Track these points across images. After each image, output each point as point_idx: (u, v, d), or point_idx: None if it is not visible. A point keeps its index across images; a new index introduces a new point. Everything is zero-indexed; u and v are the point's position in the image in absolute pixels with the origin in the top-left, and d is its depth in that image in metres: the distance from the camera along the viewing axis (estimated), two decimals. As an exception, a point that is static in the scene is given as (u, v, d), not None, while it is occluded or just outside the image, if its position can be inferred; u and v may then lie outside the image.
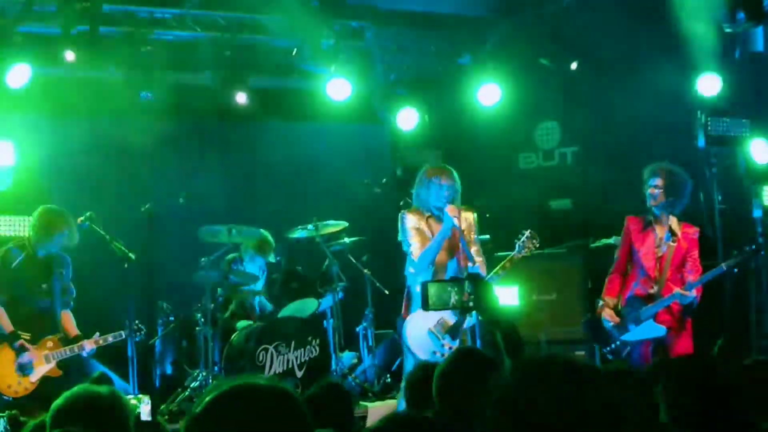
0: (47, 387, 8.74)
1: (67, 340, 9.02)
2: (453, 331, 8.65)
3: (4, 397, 8.64)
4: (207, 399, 2.50)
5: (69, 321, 9.15)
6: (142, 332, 9.15)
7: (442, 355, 8.39)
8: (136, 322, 8.94)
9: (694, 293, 8.85)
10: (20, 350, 8.75)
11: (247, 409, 2.44)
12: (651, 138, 12.04)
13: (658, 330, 8.91)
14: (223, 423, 2.43)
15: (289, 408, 2.49)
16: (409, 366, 8.74)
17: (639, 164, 11.48)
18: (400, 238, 8.97)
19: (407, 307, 8.90)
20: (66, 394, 3.89)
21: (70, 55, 10.82)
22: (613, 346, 9.07)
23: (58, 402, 3.81)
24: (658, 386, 3.48)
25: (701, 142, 11.48)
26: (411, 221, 8.92)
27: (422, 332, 8.67)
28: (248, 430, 2.42)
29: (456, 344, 8.61)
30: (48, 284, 8.97)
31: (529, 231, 8.87)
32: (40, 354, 8.84)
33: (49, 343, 8.88)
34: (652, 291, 8.99)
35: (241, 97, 11.91)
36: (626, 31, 11.79)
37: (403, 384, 7.94)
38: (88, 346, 9.05)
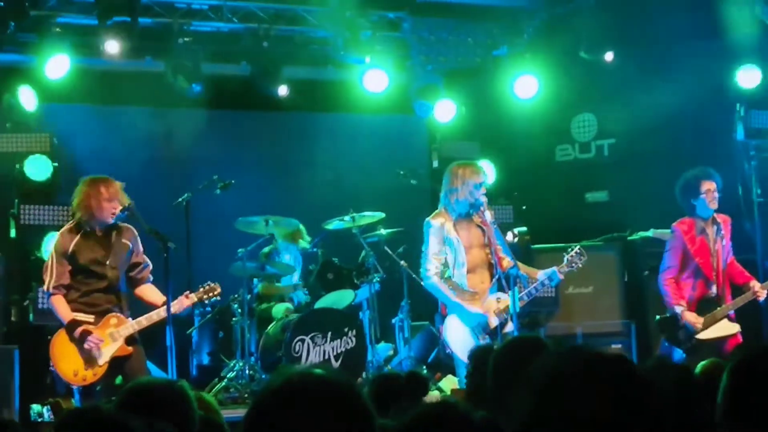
0: (117, 368, 8.12)
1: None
2: (493, 333, 8.55)
3: (74, 388, 7.95)
4: (271, 387, 2.50)
5: (148, 293, 8.39)
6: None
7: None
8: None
9: None
10: (82, 338, 7.91)
11: (311, 400, 2.44)
12: (689, 130, 11.99)
13: (732, 327, 9.04)
14: (286, 413, 2.43)
15: (352, 399, 2.49)
16: (460, 368, 8.55)
17: (676, 157, 11.46)
18: (423, 247, 8.73)
19: (444, 305, 8.88)
20: (125, 387, 3.80)
21: (111, 47, 10.84)
22: (689, 345, 9.01)
23: (117, 397, 3.73)
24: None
25: (740, 134, 11.44)
26: (435, 231, 8.57)
27: (464, 333, 8.57)
28: (311, 421, 2.42)
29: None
30: (109, 260, 8.15)
31: (578, 247, 8.65)
32: (105, 333, 8.04)
33: (113, 320, 8.06)
34: (712, 293, 9.08)
35: (282, 90, 11.96)
36: (665, 22, 11.73)
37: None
38: (166, 310, 8.06)
